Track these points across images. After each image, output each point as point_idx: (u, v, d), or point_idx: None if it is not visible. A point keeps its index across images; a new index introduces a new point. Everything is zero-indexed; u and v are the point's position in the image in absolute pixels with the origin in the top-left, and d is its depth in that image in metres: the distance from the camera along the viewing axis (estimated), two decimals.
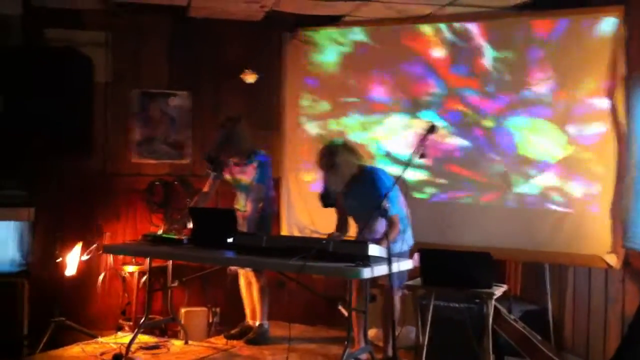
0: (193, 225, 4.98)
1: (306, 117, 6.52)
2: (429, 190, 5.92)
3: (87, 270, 6.19)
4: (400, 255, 4.77)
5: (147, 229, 6.13)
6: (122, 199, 6.40)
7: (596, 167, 5.28)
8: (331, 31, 6.36)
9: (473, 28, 5.78)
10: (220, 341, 5.47)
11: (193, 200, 5.53)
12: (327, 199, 4.87)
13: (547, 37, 5.48)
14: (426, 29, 5.96)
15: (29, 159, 5.80)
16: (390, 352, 4.80)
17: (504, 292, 4.43)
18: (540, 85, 5.50)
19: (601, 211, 5.20)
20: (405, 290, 4.85)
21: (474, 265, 4.30)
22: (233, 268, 5.62)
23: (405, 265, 4.61)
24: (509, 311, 5.06)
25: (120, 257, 6.20)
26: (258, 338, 5.39)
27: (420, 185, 5.92)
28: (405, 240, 4.95)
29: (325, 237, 4.71)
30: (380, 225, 4.72)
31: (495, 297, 4.25)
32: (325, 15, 6.23)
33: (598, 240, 5.17)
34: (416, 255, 4.71)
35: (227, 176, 5.53)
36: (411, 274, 4.82)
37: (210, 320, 6.14)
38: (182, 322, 5.78)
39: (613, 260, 5.06)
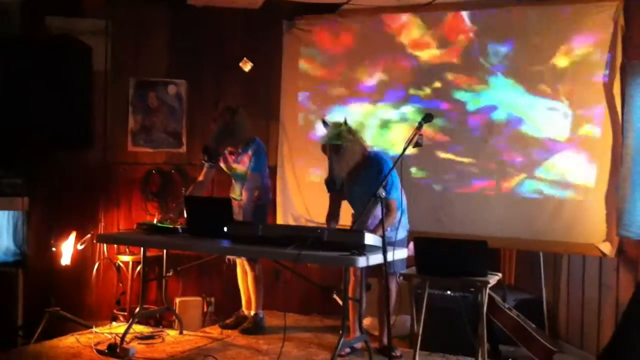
0: (188, 214, 4.96)
1: (304, 106, 6.50)
2: (423, 178, 5.92)
3: (82, 260, 6.19)
4: (401, 243, 4.78)
5: (143, 217, 6.12)
6: (118, 187, 6.40)
7: (592, 155, 5.28)
8: (330, 19, 6.34)
9: (472, 16, 5.76)
10: (215, 331, 5.47)
11: (188, 190, 5.52)
12: (332, 184, 4.82)
13: (546, 26, 5.47)
14: (425, 17, 5.94)
15: (27, 148, 5.79)
16: (385, 341, 4.82)
17: (499, 281, 4.43)
18: (538, 75, 5.49)
19: (596, 200, 5.21)
20: (400, 279, 4.85)
21: (469, 254, 4.29)
22: (232, 257, 5.61)
23: (401, 253, 4.61)
24: (503, 300, 5.08)
25: (115, 246, 6.20)
26: (253, 327, 5.39)
27: (415, 173, 5.92)
28: (403, 226, 4.95)
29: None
30: (380, 210, 4.71)
31: (489, 285, 4.26)
32: (324, 3, 6.21)
33: (593, 229, 5.18)
34: (411, 244, 4.71)
35: (223, 165, 5.51)
36: (406, 262, 4.83)
37: (205, 310, 6.14)
38: (177, 312, 5.78)
39: (607, 248, 5.07)
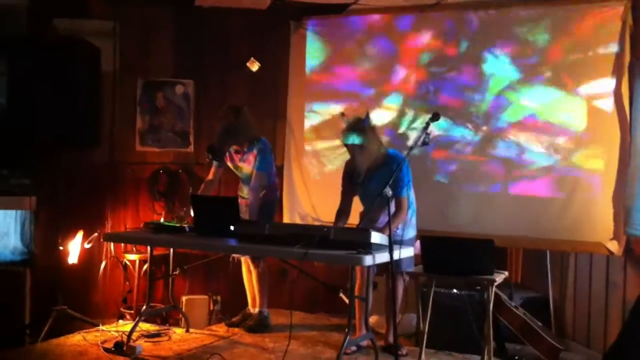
0: (195, 213, 4.98)
1: (311, 106, 6.51)
2: (430, 176, 5.91)
3: (89, 258, 6.21)
4: (410, 242, 4.79)
5: (150, 217, 6.14)
6: (126, 187, 6.43)
7: (599, 154, 5.27)
8: (337, 19, 6.34)
9: (480, 16, 5.76)
10: (221, 329, 5.48)
11: (200, 189, 5.52)
12: (357, 176, 4.79)
13: (555, 24, 5.46)
14: (434, 16, 5.94)
15: (35, 149, 5.82)
16: (391, 339, 4.82)
17: (505, 279, 4.43)
18: (545, 74, 5.49)
19: (603, 198, 5.20)
20: (406, 277, 4.85)
21: (475, 252, 4.29)
22: (236, 255, 5.62)
23: (407, 252, 4.61)
24: (509, 298, 5.07)
25: (122, 245, 6.22)
26: (257, 325, 5.39)
27: (422, 172, 5.92)
28: (413, 226, 4.96)
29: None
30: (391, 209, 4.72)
31: (496, 284, 4.25)
32: (331, 3, 6.21)
33: (600, 227, 5.16)
34: (417, 243, 4.71)
35: (230, 164, 5.51)
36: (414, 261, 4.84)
37: (212, 308, 6.14)
38: (184, 310, 5.79)
39: (615, 247, 5.06)
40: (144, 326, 5.26)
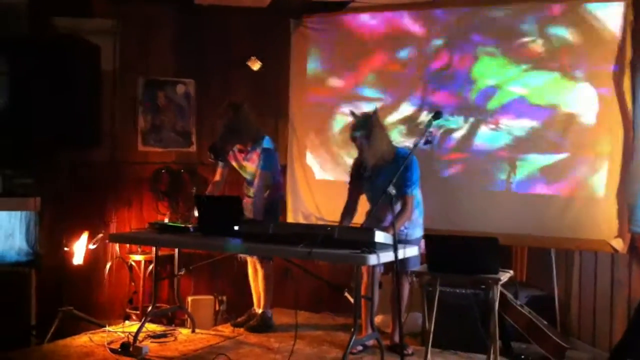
0: (199, 213, 4.98)
1: (313, 104, 6.50)
2: (433, 175, 5.91)
3: (94, 259, 6.22)
4: (416, 242, 4.81)
5: (154, 217, 6.15)
6: (129, 187, 6.43)
7: (603, 152, 5.26)
8: (337, 17, 6.33)
9: (479, 13, 5.74)
10: (227, 329, 5.48)
11: (207, 190, 5.52)
12: (364, 170, 4.78)
13: (555, 21, 5.45)
14: (434, 13, 5.94)
15: (36, 148, 5.82)
16: (397, 338, 4.82)
17: (510, 278, 4.42)
18: (548, 69, 5.48)
19: (608, 196, 5.19)
20: (411, 277, 4.85)
21: (480, 251, 4.28)
22: (242, 255, 5.62)
23: (413, 251, 4.61)
24: (515, 297, 5.07)
25: (127, 245, 6.22)
26: (260, 326, 5.39)
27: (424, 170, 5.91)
28: (420, 225, 4.97)
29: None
30: (398, 208, 4.73)
31: (501, 282, 4.25)
32: (332, 1, 6.21)
33: (605, 225, 5.15)
34: (422, 242, 4.71)
35: (234, 163, 5.51)
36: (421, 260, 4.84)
37: (217, 309, 6.16)
38: (189, 310, 5.79)
39: (619, 245, 5.05)
40: (150, 327, 5.27)
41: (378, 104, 6.01)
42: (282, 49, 6.54)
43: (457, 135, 5.83)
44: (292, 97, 6.58)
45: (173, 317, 6.07)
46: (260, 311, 5.47)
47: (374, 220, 4.75)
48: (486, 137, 5.72)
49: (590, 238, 5.23)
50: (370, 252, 4.12)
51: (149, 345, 4.87)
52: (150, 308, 5.12)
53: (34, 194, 5.75)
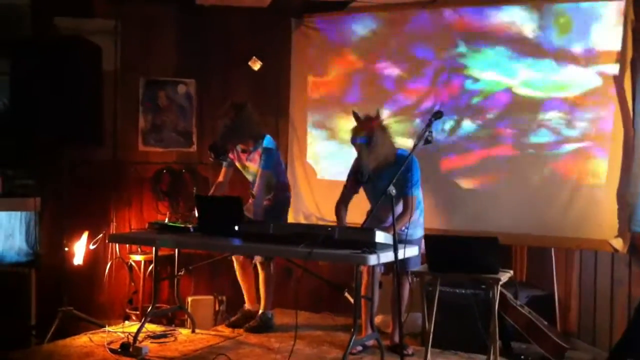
0: (199, 213, 4.98)
1: (313, 104, 6.50)
2: (433, 174, 5.90)
3: (94, 259, 6.23)
4: (417, 242, 4.81)
5: (154, 217, 6.15)
6: (129, 187, 6.43)
7: (603, 151, 5.26)
8: (338, 16, 6.33)
9: (483, 12, 5.74)
10: (227, 329, 5.48)
11: (210, 191, 5.51)
12: (361, 176, 4.74)
13: (557, 20, 5.45)
14: (437, 13, 5.93)
15: (37, 149, 5.82)
16: (397, 339, 4.82)
17: (510, 278, 4.42)
18: (548, 69, 5.47)
19: (608, 195, 5.18)
20: (411, 277, 4.85)
21: (480, 251, 4.28)
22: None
23: (413, 251, 4.61)
24: (515, 296, 5.06)
25: (127, 246, 6.22)
26: (260, 326, 5.38)
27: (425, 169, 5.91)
28: (421, 225, 4.96)
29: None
30: (399, 208, 4.73)
31: (501, 282, 4.25)
32: (332, 0, 6.20)
33: (605, 224, 5.15)
34: (422, 242, 4.71)
35: (237, 164, 5.50)
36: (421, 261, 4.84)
37: (217, 309, 6.15)
38: (189, 310, 5.79)
39: (619, 244, 5.05)
40: (150, 327, 5.27)
41: (379, 105, 6.04)
42: (282, 49, 6.54)
43: (457, 134, 5.82)
44: (292, 97, 6.58)
45: (173, 317, 6.07)
46: (260, 312, 5.46)
47: (375, 221, 4.74)
48: (485, 136, 5.72)
49: (590, 237, 5.22)
50: (371, 252, 4.12)
51: (148, 346, 4.87)
52: (150, 308, 5.12)
53: (34, 194, 5.75)
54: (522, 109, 5.58)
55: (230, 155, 5.48)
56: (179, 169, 6.50)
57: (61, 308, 5.43)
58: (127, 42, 6.40)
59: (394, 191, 4.24)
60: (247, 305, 5.60)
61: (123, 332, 5.15)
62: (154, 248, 5.21)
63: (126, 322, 5.72)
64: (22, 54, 5.60)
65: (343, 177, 5.12)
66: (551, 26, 5.46)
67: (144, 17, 6.45)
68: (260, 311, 5.45)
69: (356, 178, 4.83)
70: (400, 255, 4.22)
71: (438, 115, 4.50)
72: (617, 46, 5.17)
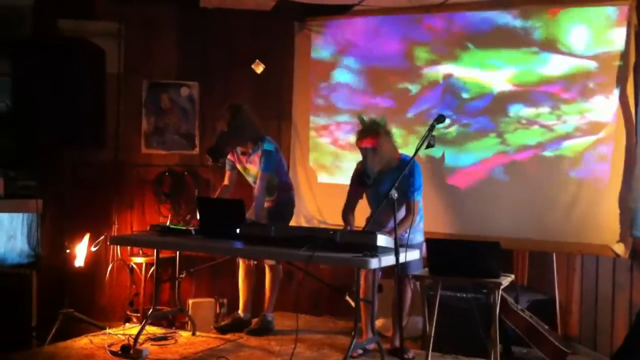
0: (200, 215, 4.98)
1: (316, 107, 6.51)
2: (434, 178, 5.90)
3: (96, 261, 6.23)
4: (418, 247, 4.81)
5: (156, 219, 6.15)
6: (131, 189, 6.44)
7: (605, 156, 5.26)
8: (341, 20, 6.34)
9: (486, 16, 5.75)
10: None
11: (215, 194, 5.51)
12: (367, 178, 4.76)
13: (558, 25, 5.45)
14: (441, 17, 5.93)
15: (39, 150, 5.83)
16: (397, 342, 4.82)
17: (511, 282, 4.42)
18: (551, 74, 5.47)
19: (610, 200, 5.18)
20: (412, 281, 4.85)
21: (481, 255, 4.29)
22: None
23: (414, 255, 4.61)
24: (516, 301, 5.06)
25: (128, 248, 6.22)
26: (261, 329, 5.38)
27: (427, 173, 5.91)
28: (421, 230, 4.97)
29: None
30: (401, 213, 4.73)
31: (502, 287, 4.25)
32: (335, 4, 6.21)
33: (606, 229, 5.15)
34: (423, 246, 4.71)
35: (239, 166, 5.50)
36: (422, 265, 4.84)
37: (218, 311, 6.15)
38: (190, 313, 5.79)
39: (621, 249, 5.05)
40: (151, 329, 5.28)
41: (383, 109, 6.05)
42: (285, 52, 6.55)
43: (458, 138, 5.83)
44: (295, 100, 6.59)
45: (174, 319, 6.07)
46: (240, 314, 5.46)
47: (376, 225, 4.74)
48: (488, 140, 5.72)
49: (591, 242, 5.22)
50: (372, 256, 4.12)
51: (149, 348, 4.88)
52: (151, 310, 5.12)
53: (36, 195, 5.75)
54: (525, 113, 5.59)
55: (231, 158, 5.48)
56: (181, 171, 6.51)
57: (62, 310, 5.42)
58: (130, 44, 6.42)
59: (396, 195, 4.24)
60: (240, 312, 5.58)
61: (124, 334, 5.16)
62: (155, 250, 5.21)
63: (127, 324, 5.72)
64: (24, 56, 5.61)
65: (344, 181, 5.13)
66: (555, 31, 5.47)
67: (147, 19, 6.46)
68: (263, 313, 5.45)
69: (361, 181, 4.84)
70: (402, 259, 4.22)
71: (440, 119, 4.50)
72: (619, 49, 5.18)
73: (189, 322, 5.62)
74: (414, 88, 6.05)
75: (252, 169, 5.42)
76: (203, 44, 6.56)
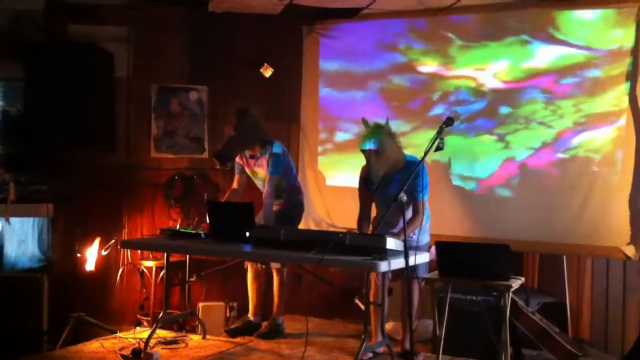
0: (210, 219, 4.98)
1: (324, 110, 6.52)
2: (446, 181, 5.90)
3: (106, 265, 6.25)
4: (424, 248, 4.80)
5: (166, 223, 6.16)
6: (142, 193, 6.46)
7: (615, 158, 5.24)
8: (349, 24, 6.35)
9: (493, 18, 5.75)
10: (237, 335, 5.48)
11: (225, 198, 5.51)
12: (371, 184, 4.73)
13: (569, 28, 5.45)
14: (448, 20, 5.94)
15: (50, 154, 5.85)
16: (407, 345, 4.81)
17: (522, 284, 4.41)
18: (559, 77, 5.47)
19: (620, 202, 5.17)
20: (422, 283, 4.85)
21: (492, 258, 4.27)
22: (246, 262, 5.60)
23: (423, 257, 4.61)
24: (526, 303, 5.04)
25: (139, 252, 6.24)
26: (271, 332, 5.36)
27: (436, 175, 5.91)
28: (427, 231, 4.96)
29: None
30: (408, 213, 4.72)
31: (512, 289, 4.24)
32: (343, 8, 6.22)
33: (617, 231, 5.14)
34: (433, 248, 4.70)
35: (247, 170, 5.49)
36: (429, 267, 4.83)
37: (228, 315, 6.16)
38: (200, 316, 5.80)
39: (631, 251, 5.04)
40: (161, 333, 5.27)
41: (389, 112, 6.05)
42: (294, 55, 6.57)
43: (466, 140, 5.83)
44: (303, 103, 6.60)
45: (184, 323, 6.08)
46: (250, 318, 5.46)
47: (385, 226, 4.73)
48: (498, 142, 5.72)
49: (602, 245, 5.22)
50: (382, 259, 4.12)
51: (160, 352, 4.88)
52: (161, 314, 5.13)
53: (47, 200, 5.78)
54: (532, 114, 5.58)
55: (240, 161, 5.47)
56: (191, 175, 6.53)
57: (73, 314, 5.45)
58: (139, 49, 6.44)
59: (405, 197, 4.24)
60: (249, 316, 5.58)
61: (134, 338, 5.17)
62: (165, 254, 5.22)
63: (137, 328, 5.73)
64: (35, 61, 5.64)
65: (353, 184, 5.12)
66: (565, 33, 5.47)
67: (156, 24, 6.49)
68: (273, 316, 5.45)
69: (366, 185, 4.83)
70: (411, 262, 4.22)
71: (449, 122, 4.49)
72: (628, 54, 5.17)
73: (200, 326, 5.62)
74: (421, 91, 6.04)
75: (261, 172, 5.40)
76: (211, 48, 6.58)
